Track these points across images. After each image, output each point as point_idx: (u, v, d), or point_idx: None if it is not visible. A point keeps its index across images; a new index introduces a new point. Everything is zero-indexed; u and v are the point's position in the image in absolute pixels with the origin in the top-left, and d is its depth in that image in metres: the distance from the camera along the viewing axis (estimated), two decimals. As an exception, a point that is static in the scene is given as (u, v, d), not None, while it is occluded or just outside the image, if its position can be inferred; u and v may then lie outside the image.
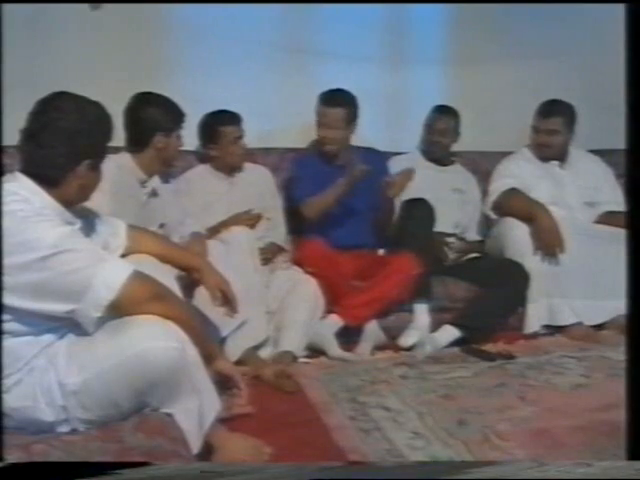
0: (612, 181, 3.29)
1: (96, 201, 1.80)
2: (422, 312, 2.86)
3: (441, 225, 3.08)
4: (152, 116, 2.45)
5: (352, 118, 3.01)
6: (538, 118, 3.23)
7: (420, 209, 2.95)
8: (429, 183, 3.16)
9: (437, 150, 3.31)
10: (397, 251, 2.91)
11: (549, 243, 2.96)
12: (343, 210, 2.97)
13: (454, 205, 3.27)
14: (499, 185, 3.18)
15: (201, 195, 2.85)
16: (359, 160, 2.89)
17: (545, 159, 3.25)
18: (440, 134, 3.27)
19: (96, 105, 1.66)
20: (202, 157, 3.01)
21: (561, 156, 3.26)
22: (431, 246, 2.99)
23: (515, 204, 3.10)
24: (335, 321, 2.73)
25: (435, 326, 2.84)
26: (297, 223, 3.05)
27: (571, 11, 3.50)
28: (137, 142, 2.47)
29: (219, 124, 2.87)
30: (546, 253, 2.96)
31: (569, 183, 3.22)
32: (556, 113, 3.18)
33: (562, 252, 2.96)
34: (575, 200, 3.18)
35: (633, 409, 1.70)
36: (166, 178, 2.63)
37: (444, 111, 3.28)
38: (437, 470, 1.85)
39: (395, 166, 3.21)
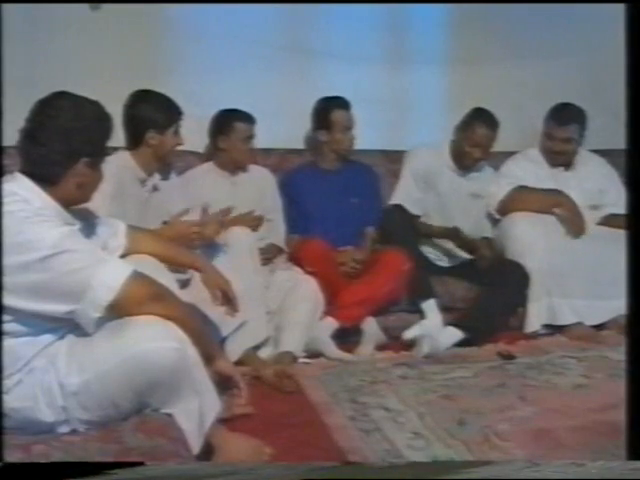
0: (618, 183, 3.24)
1: (97, 201, 1.81)
2: (432, 309, 2.86)
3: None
4: (143, 113, 2.47)
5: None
6: (553, 125, 3.14)
7: (398, 215, 3.02)
8: (447, 188, 3.16)
9: (469, 162, 3.16)
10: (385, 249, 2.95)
11: (579, 225, 3.03)
12: (336, 213, 3.02)
13: (471, 212, 3.21)
14: (503, 185, 3.16)
15: (203, 192, 2.86)
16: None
17: (557, 165, 3.22)
18: (472, 144, 3.09)
19: (94, 104, 1.66)
20: (208, 154, 3.04)
21: (571, 161, 3.24)
22: (415, 249, 3.00)
23: (530, 199, 3.09)
24: (330, 323, 2.73)
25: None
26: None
27: (571, 11, 3.51)
28: (132, 140, 2.50)
29: (234, 119, 2.89)
30: (574, 236, 3.02)
31: (574, 186, 3.19)
32: (572, 120, 3.11)
33: (584, 233, 3.04)
34: (579, 202, 3.14)
35: (633, 409, 1.70)
36: (166, 175, 2.63)
37: (484, 122, 3.06)
38: (437, 470, 1.85)
39: (419, 159, 3.22)
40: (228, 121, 2.90)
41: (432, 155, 3.22)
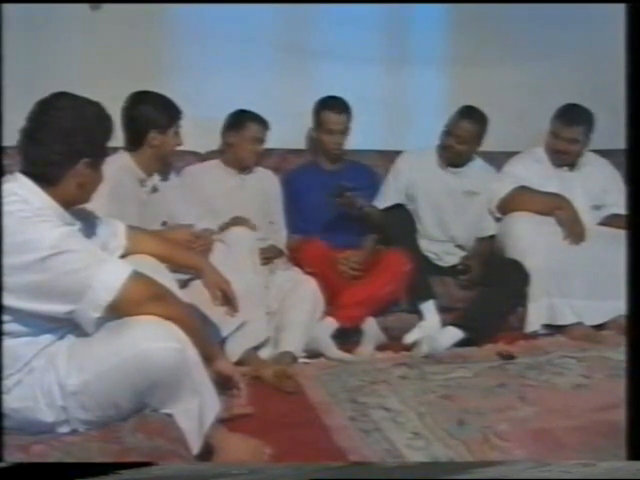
0: (620, 183, 3.23)
1: (96, 203, 1.81)
2: (430, 310, 2.86)
3: (452, 230, 3.17)
4: (145, 114, 2.47)
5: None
6: (559, 125, 3.13)
7: (398, 216, 3.01)
8: (439, 187, 3.14)
9: (451, 156, 3.15)
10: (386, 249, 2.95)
11: (578, 231, 3.01)
12: (337, 213, 3.02)
13: (466, 210, 3.20)
14: (507, 183, 3.16)
15: (209, 186, 2.89)
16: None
17: (560, 165, 3.21)
18: (457, 140, 3.10)
19: (95, 105, 1.66)
20: (210, 154, 3.08)
21: (574, 162, 3.23)
22: (415, 249, 3.00)
23: (532, 200, 3.09)
24: (330, 323, 2.72)
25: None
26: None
27: (571, 11, 3.51)
28: (133, 141, 2.50)
29: (247, 118, 2.92)
30: (573, 242, 3.01)
31: (577, 186, 3.18)
32: (579, 121, 3.10)
33: (583, 240, 3.02)
34: (582, 203, 3.13)
35: (633, 409, 1.70)
36: (166, 175, 2.64)
37: (467, 116, 3.07)
38: (437, 470, 1.85)
39: (404, 163, 3.22)
40: (241, 119, 2.93)
41: (418, 160, 3.21)
